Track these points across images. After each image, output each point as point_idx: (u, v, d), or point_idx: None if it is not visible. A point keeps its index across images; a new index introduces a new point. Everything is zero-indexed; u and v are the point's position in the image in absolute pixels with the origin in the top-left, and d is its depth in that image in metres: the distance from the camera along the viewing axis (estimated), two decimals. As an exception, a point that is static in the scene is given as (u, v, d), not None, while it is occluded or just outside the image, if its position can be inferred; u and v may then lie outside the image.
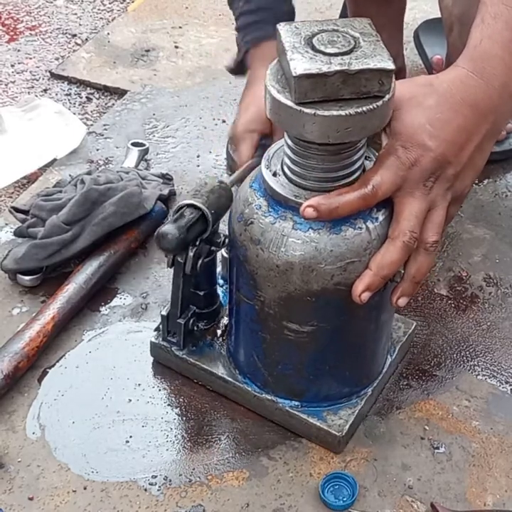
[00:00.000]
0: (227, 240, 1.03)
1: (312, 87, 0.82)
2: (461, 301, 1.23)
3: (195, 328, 1.08)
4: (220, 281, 1.13)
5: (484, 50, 0.90)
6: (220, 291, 1.12)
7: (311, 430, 1.02)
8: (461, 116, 0.89)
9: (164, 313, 1.07)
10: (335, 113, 0.82)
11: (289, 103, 0.83)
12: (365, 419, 1.06)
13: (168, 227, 0.96)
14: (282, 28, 0.86)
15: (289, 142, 0.90)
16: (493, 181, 1.42)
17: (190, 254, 1.00)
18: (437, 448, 1.04)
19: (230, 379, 1.06)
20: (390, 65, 0.82)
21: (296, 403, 1.03)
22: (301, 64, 0.82)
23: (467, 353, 1.15)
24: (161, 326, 1.09)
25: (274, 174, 0.92)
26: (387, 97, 0.84)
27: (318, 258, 0.90)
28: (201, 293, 1.07)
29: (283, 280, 0.92)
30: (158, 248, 0.98)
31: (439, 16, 1.34)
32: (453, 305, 1.22)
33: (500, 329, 1.19)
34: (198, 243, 1.00)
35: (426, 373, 1.12)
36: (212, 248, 1.03)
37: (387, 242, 0.90)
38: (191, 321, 1.07)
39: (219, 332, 1.10)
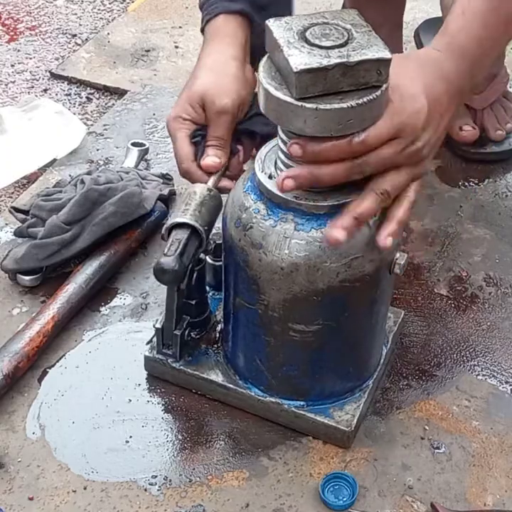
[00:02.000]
0: (212, 246, 1.03)
1: (313, 82, 0.81)
2: (461, 301, 1.23)
3: (189, 338, 1.07)
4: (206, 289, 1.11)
5: (451, 34, 0.93)
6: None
7: (319, 428, 1.03)
8: (442, 83, 0.90)
9: (159, 325, 1.05)
10: (336, 106, 0.82)
11: (289, 99, 0.83)
12: (365, 419, 1.06)
13: (165, 261, 0.93)
14: (272, 24, 0.85)
15: (286, 140, 0.89)
16: (493, 181, 1.42)
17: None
18: (437, 448, 1.04)
19: (231, 386, 1.05)
20: (387, 54, 0.82)
21: (302, 403, 1.03)
22: (300, 59, 0.81)
23: (467, 353, 1.15)
24: (153, 340, 1.08)
25: (270, 177, 0.92)
26: (385, 86, 0.84)
27: (323, 257, 0.90)
28: (193, 302, 1.05)
29: (288, 282, 0.92)
30: (160, 282, 0.96)
31: (440, 15, 1.34)
32: (453, 305, 1.22)
33: (500, 329, 1.19)
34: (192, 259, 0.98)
35: (426, 373, 1.12)
36: (202, 256, 1.02)
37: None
38: (186, 331, 1.06)
39: (213, 339, 1.09)
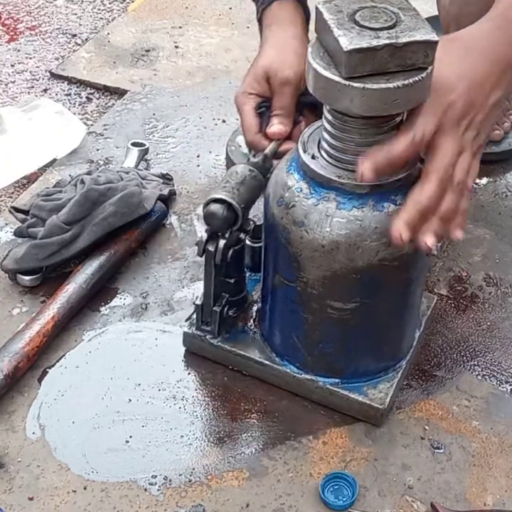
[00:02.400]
0: (253, 228, 1.06)
1: (361, 62, 0.84)
2: (461, 301, 1.23)
3: (227, 315, 1.09)
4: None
5: (504, 6, 0.94)
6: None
7: (353, 405, 1.04)
8: (486, 63, 0.91)
9: (198, 302, 1.08)
10: (383, 86, 0.84)
11: (337, 78, 0.85)
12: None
13: (215, 206, 0.98)
14: (322, 6, 0.88)
15: (331, 119, 0.91)
16: (493, 181, 1.42)
17: (221, 245, 1.01)
18: (437, 448, 1.04)
19: (267, 362, 1.08)
20: (434, 37, 0.85)
21: (336, 380, 1.05)
22: (350, 39, 0.84)
23: (467, 353, 1.15)
24: (193, 317, 1.10)
25: (313, 157, 0.94)
26: (430, 68, 0.86)
27: (363, 235, 0.92)
28: (232, 281, 1.08)
29: (328, 259, 0.94)
30: (207, 226, 1.00)
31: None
32: (453, 305, 1.22)
33: (500, 329, 1.19)
34: (227, 235, 1.01)
35: (426, 373, 1.12)
36: (242, 235, 1.04)
37: (421, 179, 0.91)
38: (225, 308, 1.08)
39: (250, 318, 1.12)
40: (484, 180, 1.42)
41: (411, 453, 1.03)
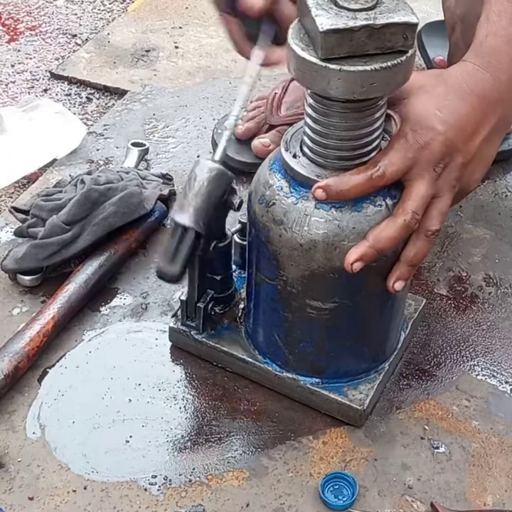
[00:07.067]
0: (240, 226, 1.07)
1: (338, 43, 0.83)
2: (461, 301, 1.23)
3: (213, 312, 1.10)
4: (232, 267, 1.14)
5: (489, 45, 0.93)
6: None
7: (333, 406, 1.04)
8: (469, 106, 0.91)
9: (183, 297, 1.08)
10: (360, 68, 0.84)
11: (314, 60, 0.84)
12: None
13: (165, 268, 0.96)
14: None
15: (312, 103, 0.90)
16: (493, 181, 1.42)
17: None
18: (437, 448, 1.04)
19: (250, 360, 1.08)
20: (414, 19, 0.84)
21: (317, 380, 1.05)
22: (327, 20, 0.83)
23: (467, 353, 1.15)
24: (179, 311, 1.11)
25: (294, 156, 0.94)
26: (411, 51, 0.85)
27: (341, 235, 0.92)
28: (218, 277, 1.08)
29: (306, 258, 0.94)
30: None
31: (441, 18, 1.34)
32: (453, 305, 1.22)
33: (500, 329, 1.19)
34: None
35: (426, 373, 1.12)
36: (228, 232, 1.05)
37: (389, 217, 0.92)
38: (210, 305, 1.08)
39: (236, 315, 1.12)
40: (484, 181, 1.42)
41: (411, 453, 1.03)
